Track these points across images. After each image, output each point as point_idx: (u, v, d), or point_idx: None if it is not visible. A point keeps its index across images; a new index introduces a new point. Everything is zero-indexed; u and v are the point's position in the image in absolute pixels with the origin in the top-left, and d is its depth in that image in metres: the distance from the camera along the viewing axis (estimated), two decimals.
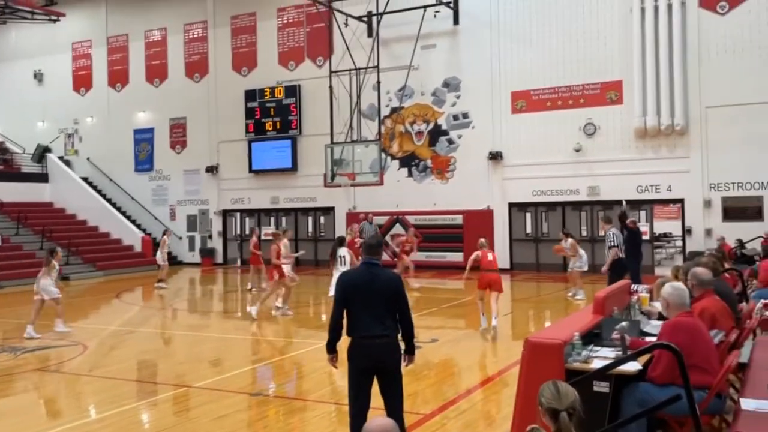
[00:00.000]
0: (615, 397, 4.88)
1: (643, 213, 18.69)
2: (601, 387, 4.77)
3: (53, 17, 24.00)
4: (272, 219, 24.16)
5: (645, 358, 5.01)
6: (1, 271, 18.66)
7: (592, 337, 5.64)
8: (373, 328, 5.03)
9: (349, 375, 5.20)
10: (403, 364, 5.26)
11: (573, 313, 9.57)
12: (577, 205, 19.58)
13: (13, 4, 22.56)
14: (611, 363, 4.77)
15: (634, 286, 7.40)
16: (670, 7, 18.10)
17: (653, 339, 5.52)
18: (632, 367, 4.88)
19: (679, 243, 18.38)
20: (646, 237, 17.55)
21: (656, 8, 18.24)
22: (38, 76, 28.37)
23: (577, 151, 19.25)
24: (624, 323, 5.40)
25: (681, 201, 18.38)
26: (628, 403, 4.91)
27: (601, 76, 19.02)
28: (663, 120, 18.12)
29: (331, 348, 5.24)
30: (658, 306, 7.07)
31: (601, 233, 14.25)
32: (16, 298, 16.60)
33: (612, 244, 11.79)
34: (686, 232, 18.27)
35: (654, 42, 18.22)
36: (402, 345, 5.23)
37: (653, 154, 18.54)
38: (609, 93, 19.02)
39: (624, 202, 15.32)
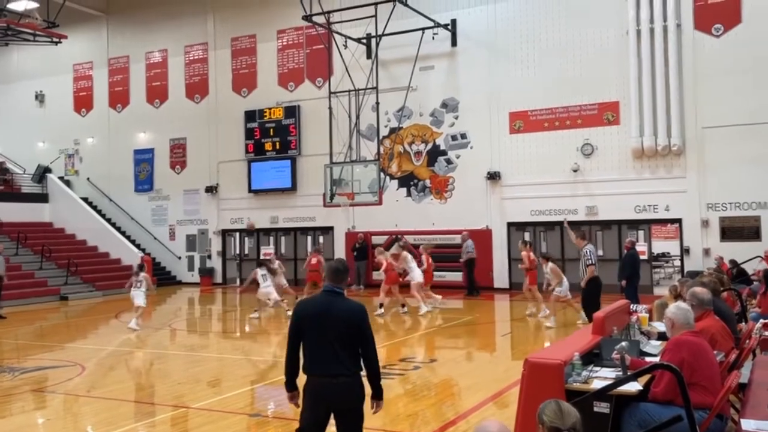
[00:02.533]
0: (615, 418, 4.88)
1: (641, 233, 18.74)
2: (602, 408, 4.78)
3: (55, 39, 24.16)
4: (271, 239, 24.18)
5: (645, 378, 5.02)
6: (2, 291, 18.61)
7: (592, 357, 5.66)
8: (329, 367, 4.46)
9: (300, 416, 4.63)
10: (370, 411, 4.66)
11: (573, 333, 9.55)
12: (576, 225, 19.57)
13: (15, 27, 22.74)
14: (612, 383, 4.78)
15: (633, 306, 7.41)
16: (665, 29, 18.31)
17: (653, 359, 5.53)
18: (633, 387, 4.89)
19: (678, 263, 18.40)
20: (644, 257, 17.58)
21: (652, 30, 18.44)
22: (39, 97, 28.53)
23: (575, 171, 19.35)
24: (624, 343, 5.41)
25: (679, 221, 18.44)
26: (629, 423, 4.91)
27: (598, 96, 19.18)
28: (660, 140, 18.24)
29: (289, 386, 4.70)
30: (657, 326, 7.10)
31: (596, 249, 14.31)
32: (16, 318, 16.56)
33: (589, 261, 11.70)
34: (684, 251, 18.31)
35: (650, 63, 18.39)
36: (367, 385, 4.63)
37: (651, 174, 18.63)
38: (606, 114, 19.16)
39: (565, 221, 15.56)
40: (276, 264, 16.87)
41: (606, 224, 19.28)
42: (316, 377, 4.51)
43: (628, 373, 4.98)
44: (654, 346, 6.20)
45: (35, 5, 23.04)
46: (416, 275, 15.67)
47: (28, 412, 8.24)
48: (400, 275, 15.89)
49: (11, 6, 22.84)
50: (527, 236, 19.36)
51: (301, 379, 4.67)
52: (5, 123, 29.25)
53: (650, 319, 7.00)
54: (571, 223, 16.39)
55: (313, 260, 17.33)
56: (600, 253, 19.11)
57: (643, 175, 18.69)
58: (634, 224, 18.89)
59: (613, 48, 19.00)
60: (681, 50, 18.20)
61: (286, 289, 16.99)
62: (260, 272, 15.27)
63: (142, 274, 14.44)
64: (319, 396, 4.50)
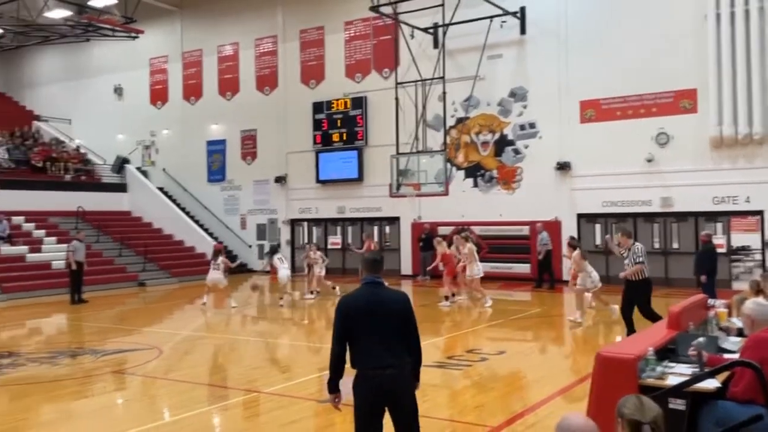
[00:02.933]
0: (692, 416, 4.74)
1: (719, 225, 18.02)
2: (677, 404, 4.65)
3: (133, 34, 25.08)
4: (338, 228, 24.47)
5: (724, 375, 4.86)
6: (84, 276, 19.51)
7: (667, 352, 5.50)
8: (383, 358, 4.43)
9: (355, 414, 4.55)
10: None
11: (645, 328, 9.31)
12: (650, 217, 19.04)
13: (96, 23, 23.70)
14: (688, 380, 4.64)
15: (710, 301, 7.16)
16: (747, 13, 17.45)
17: (733, 356, 5.34)
18: (710, 384, 4.73)
19: (758, 256, 17.61)
20: (722, 250, 16.91)
21: (732, 14, 17.61)
22: (118, 91, 29.69)
23: (649, 161, 18.74)
24: (701, 339, 5.24)
25: (760, 213, 17.61)
26: (706, 421, 4.76)
27: (674, 84, 18.48)
28: (740, 129, 17.45)
29: (333, 387, 4.60)
30: (736, 322, 6.84)
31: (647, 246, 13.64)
32: (97, 303, 17.37)
33: (639, 259, 10.47)
34: (766, 245, 17.49)
35: (730, 49, 17.59)
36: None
37: (730, 164, 17.86)
38: (683, 102, 18.46)
39: (606, 239, 14.73)
40: (317, 254, 17.71)
41: (682, 216, 18.61)
42: (371, 370, 4.44)
43: (706, 370, 4.82)
44: (733, 343, 5.97)
45: (114, 1, 23.93)
46: (475, 270, 15.07)
47: (108, 393, 8.65)
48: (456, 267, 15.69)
49: (91, 3, 23.81)
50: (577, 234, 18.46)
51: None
52: (87, 116, 30.59)
53: (729, 314, 6.73)
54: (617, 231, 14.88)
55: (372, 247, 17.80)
56: (675, 246, 18.55)
57: (722, 165, 17.93)
58: (712, 216, 18.16)
59: (691, 33, 18.25)
60: (764, 34, 17.31)
61: (321, 281, 17.60)
62: (276, 257, 16.74)
63: (221, 258, 15.92)
64: (374, 388, 4.44)
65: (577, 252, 13.32)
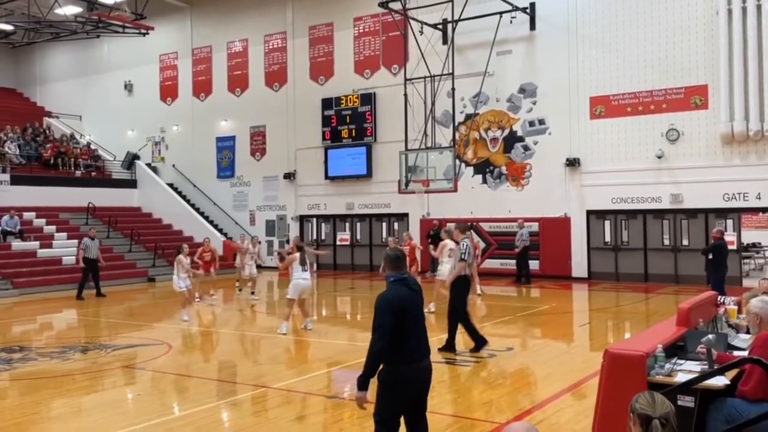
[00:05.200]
0: (700, 413, 4.73)
1: (730, 222, 17.91)
2: (686, 401, 4.63)
3: (143, 31, 25.14)
4: (347, 225, 24.50)
5: (733, 373, 4.83)
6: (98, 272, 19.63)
7: (676, 349, 5.47)
8: (421, 352, 4.69)
9: (384, 410, 4.60)
10: None
11: (655, 324, 9.28)
12: (659, 214, 18.94)
13: (106, 19, 23.79)
14: (697, 377, 4.62)
15: (720, 298, 7.11)
16: (759, 8, 17.32)
17: (742, 353, 5.31)
18: (719, 381, 4.71)
19: None
20: (732, 247, 16.80)
21: (744, 9, 17.48)
22: (128, 87, 29.81)
23: (660, 157, 18.64)
24: (710, 336, 5.20)
25: None
26: (715, 419, 4.74)
27: (685, 80, 18.36)
28: (752, 125, 17.33)
29: (366, 384, 4.58)
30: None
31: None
32: (107, 298, 17.48)
33: (463, 256, 9.81)
34: None
35: (742, 44, 17.46)
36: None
37: (741, 160, 17.74)
38: (693, 98, 18.35)
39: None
40: (246, 243, 17.99)
41: (692, 213, 18.52)
42: (416, 363, 4.64)
43: (715, 367, 4.79)
44: (743, 340, 5.94)
45: None
46: (444, 271, 12.66)
47: (118, 387, 8.70)
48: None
49: (102, 0, 23.89)
50: None
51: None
52: (97, 112, 30.75)
53: (739, 311, 6.69)
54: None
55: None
56: (685, 243, 18.46)
57: (733, 162, 17.82)
58: (722, 213, 18.06)
59: (702, 28, 18.13)
60: None
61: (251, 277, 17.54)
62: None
63: (181, 257, 13.89)
64: (416, 382, 4.65)
65: None
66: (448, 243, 13.03)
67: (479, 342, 9.82)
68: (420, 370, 4.67)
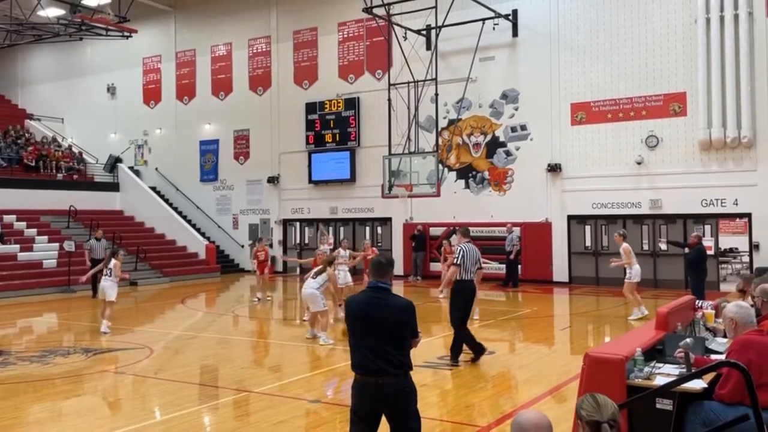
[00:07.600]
0: (679, 416, 4.81)
1: (707, 227, 18.18)
2: (665, 405, 4.71)
3: (126, 34, 24.96)
4: (331, 229, 24.49)
5: (710, 376, 4.92)
6: (74, 275, 19.47)
7: (655, 353, 5.57)
8: (375, 365, 4.32)
9: (350, 416, 4.57)
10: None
11: (634, 329, 9.40)
12: (639, 219, 19.18)
13: (89, 22, 23.62)
14: (675, 380, 4.69)
15: (698, 302, 7.24)
16: (736, 17, 17.62)
17: (719, 357, 5.41)
18: (697, 384, 4.79)
19: (746, 258, 17.77)
20: (710, 252, 17.04)
21: (722, 18, 17.78)
22: (111, 90, 29.61)
23: (639, 163, 18.88)
24: (688, 340, 5.30)
25: (748, 215, 17.78)
26: (692, 422, 4.81)
27: (664, 87, 18.64)
28: (729, 132, 17.62)
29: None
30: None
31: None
32: (88, 302, 17.33)
33: (456, 261, 9.79)
34: (753, 247, 17.66)
35: (720, 53, 17.75)
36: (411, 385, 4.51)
37: (718, 167, 18.02)
38: (672, 105, 18.61)
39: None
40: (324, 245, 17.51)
41: (671, 218, 18.77)
42: (364, 376, 4.39)
43: (693, 371, 4.88)
44: (720, 344, 6.05)
45: (107, 0, 23.87)
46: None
47: (99, 392, 8.65)
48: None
49: (85, 2, 23.74)
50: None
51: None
52: (80, 115, 30.50)
53: (716, 315, 6.82)
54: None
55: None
56: (664, 247, 18.68)
57: (711, 168, 18.10)
58: (701, 218, 18.33)
59: (681, 37, 18.42)
60: (753, 39, 17.50)
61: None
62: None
63: (114, 262, 12.93)
64: (369, 396, 4.38)
65: (626, 244, 13.61)
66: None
67: (477, 351, 9.65)
68: (372, 386, 4.34)
